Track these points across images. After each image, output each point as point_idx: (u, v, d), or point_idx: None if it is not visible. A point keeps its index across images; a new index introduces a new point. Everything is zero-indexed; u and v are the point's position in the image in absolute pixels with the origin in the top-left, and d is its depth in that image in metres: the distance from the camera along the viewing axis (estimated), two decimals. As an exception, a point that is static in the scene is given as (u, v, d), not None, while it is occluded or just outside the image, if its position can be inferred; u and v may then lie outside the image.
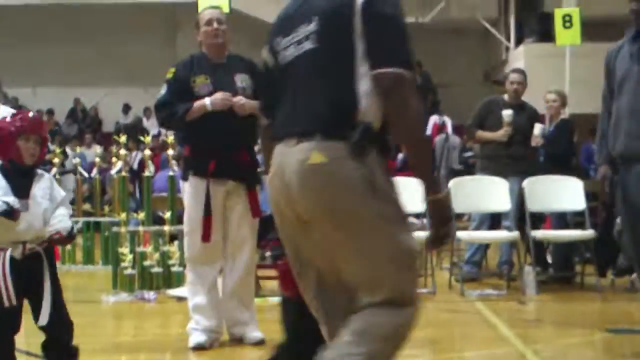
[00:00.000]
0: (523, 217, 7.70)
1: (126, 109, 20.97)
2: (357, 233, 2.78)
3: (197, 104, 5.12)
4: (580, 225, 8.13)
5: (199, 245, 5.23)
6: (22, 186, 3.93)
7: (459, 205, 7.57)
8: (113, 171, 9.52)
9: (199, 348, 5.15)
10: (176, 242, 7.56)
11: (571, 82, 10.08)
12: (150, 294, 7.16)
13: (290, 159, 2.83)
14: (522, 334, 5.66)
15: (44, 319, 3.96)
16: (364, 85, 2.81)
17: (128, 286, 7.31)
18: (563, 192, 7.82)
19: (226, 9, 10.31)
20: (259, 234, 5.55)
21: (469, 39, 20.07)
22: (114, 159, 10.32)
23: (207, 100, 5.11)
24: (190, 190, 5.26)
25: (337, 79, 2.84)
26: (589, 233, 7.60)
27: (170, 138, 8.35)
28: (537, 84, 11.81)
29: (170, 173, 8.03)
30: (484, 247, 8.26)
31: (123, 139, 9.00)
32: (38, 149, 3.96)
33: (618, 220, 8.01)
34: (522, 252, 7.79)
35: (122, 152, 9.12)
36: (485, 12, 18.94)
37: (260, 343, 5.28)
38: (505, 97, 8.15)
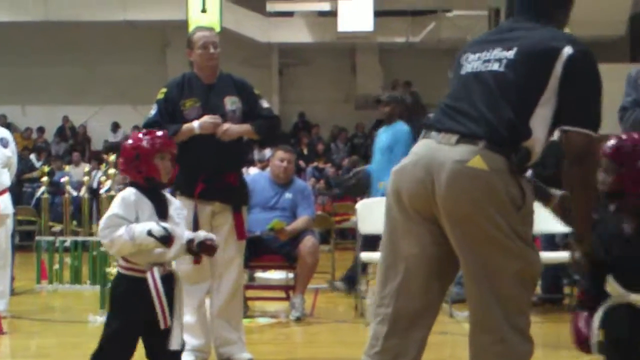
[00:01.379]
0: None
1: (115, 127, 20.94)
2: (492, 242, 2.92)
3: (186, 126, 5.11)
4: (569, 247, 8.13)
5: (186, 265, 5.20)
6: (160, 206, 3.80)
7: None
8: (102, 190, 9.49)
9: None
10: (164, 262, 7.53)
11: (560, 104, 10.09)
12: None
13: (445, 154, 2.95)
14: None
15: (177, 344, 3.75)
16: (538, 121, 2.99)
17: (115, 306, 7.25)
18: (551, 214, 7.81)
19: (217, 28, 10.36)
20: (247, 254, 5.53)
21: (459, 59, 20.16)
22: (102, 178, 10.29)
23: (195, 124, 5.10)
24: None
25: (516, 106, 2.97)
26: (577, 255, 7.59)
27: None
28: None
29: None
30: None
31: (112, 157, 8.97)
32: (171, 166, 3.84)
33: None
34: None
35: (111, 171, 9.08)
36: (476, 32, 18.98)
37: None
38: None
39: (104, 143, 20.52)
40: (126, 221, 3.66)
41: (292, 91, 22.01)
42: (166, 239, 3.62)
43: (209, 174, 5.13)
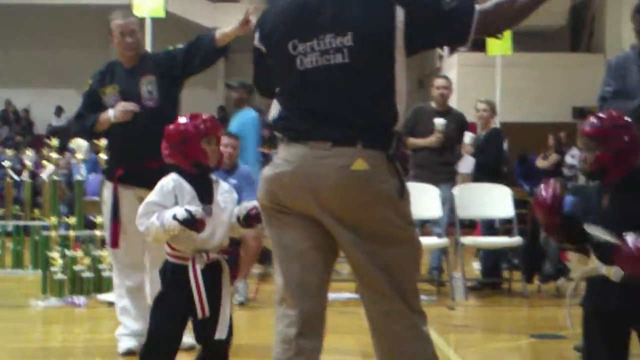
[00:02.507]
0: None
1: (59, 111, 20.71)
2: (387, 238, 2.96)
3: (102, 116, 5.13)
4: (508, 232, 8.29)
5: (118, 249, 5.21)
6: (204, 190, 3.70)
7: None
8: (44, 174, 9.40)
9: (129, 354, 5.12)
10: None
11: (502, 92, 10.28)
12: (81, 299, 7.10)
13: (325, 162, 2.92)
14: (451, 339, 5.75)
15: (221, 333, 3.64)
16: (398, 97, 2.96)
17: (58, 291, 7.23)
18: (492, 200, 7.96)
19: (161, 14, 10.30)
20: None
21: (404, 47, 20.30)
22: (44, 162, 10.20)
23: (110, 112, 5.10)
24: (105, 195, 5.29)
25: (376, 93, 2.95)
26: (516, 240, 7.76)
27: (102, 142, 8.28)
28: (469, 92, 11.97)
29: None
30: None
31: (55, 141, 8.90)
32: (218, 150, 3.76)
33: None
34: (451, 259, 7.91)
35: (54, 155, 9.01)
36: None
37: (190, 349, 5.25)
38: (433, 104, 8.23)
39: (47, 127, 20.29)
40: (162, 208, 3.59)
41: (237, 77, 21.91)
42: (189, 222, 3.50)
43: (131, 159, 5.11)
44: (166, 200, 3.63)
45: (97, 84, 5.24)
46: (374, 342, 3.10)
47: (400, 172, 2.99)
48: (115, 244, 5.18)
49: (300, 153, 2.96)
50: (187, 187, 3.67)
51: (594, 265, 3.33)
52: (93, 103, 5.21)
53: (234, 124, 8.55)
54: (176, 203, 3.62)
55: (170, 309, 3.65)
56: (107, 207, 5.26)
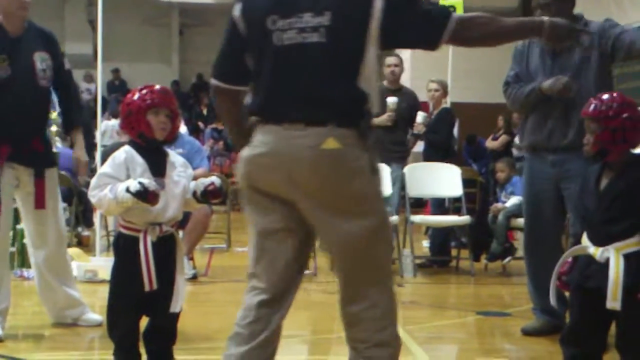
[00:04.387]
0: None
1: None
2: (363, 215, 3.00)
3: None
4: (458, 211, 8.41)
5: None
6: (156, 164, 3.69)
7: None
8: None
9: None
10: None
11: (453, 72, 10.36)
12: (30, 272, 7.05)
13: (297, 142, 2.96)
14: (399, 315, 5.81)
15: (176, 305, 3.67)
16: (370, 80, 3.00)
17: (7, 264, 7.18)
18: (442, 179, 8.06)
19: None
20: None
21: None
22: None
23: None
24: None
25: (347, 74, 2.99)
26: (464, 219, 7.87)
27: None
28: (421, 72, 12.04)
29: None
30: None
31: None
32: (169, 123, 3.71)
33: (492, 207, 8.33)
34: (401, 236, 8.00)
35: None
36: None
37: (100, 325, 5.07)
38: (385, 82, 8.26)
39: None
40: (115, 180, 3.59)
41: (192, 52, 21.78)
42: (142, 195, 3.51)
43: (17, 139, 4.81)
44: (119, 172, 3.63)
45: None
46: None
47: (372, 149, 3.05)
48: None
49: (275, 134, 3.02)
50: (138, 159, 3.67)
51: (584, 244, 3.44)
52: None
53: None
54: (128, 176, 3.62)
55: (124, 280, 3.67)
56: None
